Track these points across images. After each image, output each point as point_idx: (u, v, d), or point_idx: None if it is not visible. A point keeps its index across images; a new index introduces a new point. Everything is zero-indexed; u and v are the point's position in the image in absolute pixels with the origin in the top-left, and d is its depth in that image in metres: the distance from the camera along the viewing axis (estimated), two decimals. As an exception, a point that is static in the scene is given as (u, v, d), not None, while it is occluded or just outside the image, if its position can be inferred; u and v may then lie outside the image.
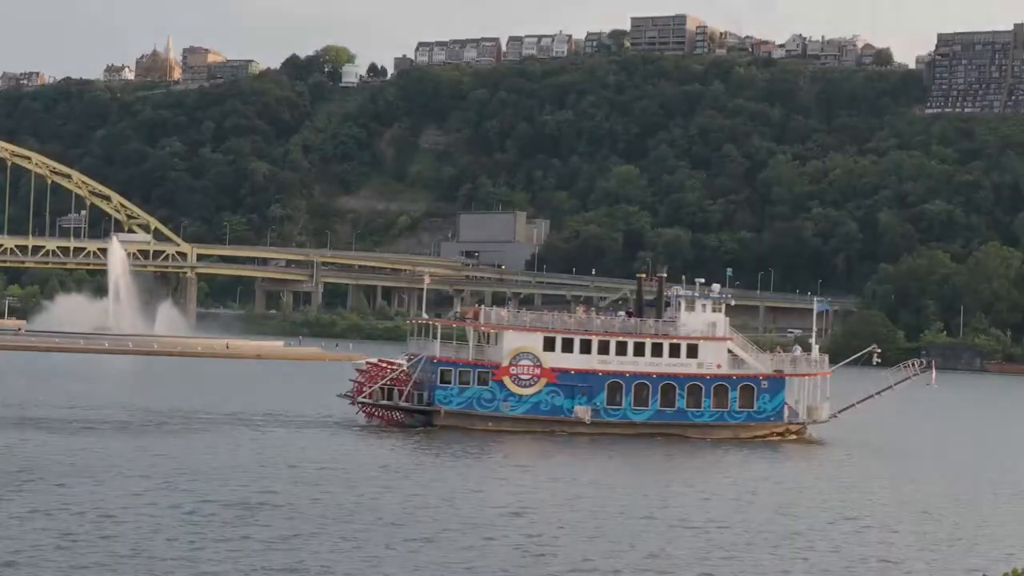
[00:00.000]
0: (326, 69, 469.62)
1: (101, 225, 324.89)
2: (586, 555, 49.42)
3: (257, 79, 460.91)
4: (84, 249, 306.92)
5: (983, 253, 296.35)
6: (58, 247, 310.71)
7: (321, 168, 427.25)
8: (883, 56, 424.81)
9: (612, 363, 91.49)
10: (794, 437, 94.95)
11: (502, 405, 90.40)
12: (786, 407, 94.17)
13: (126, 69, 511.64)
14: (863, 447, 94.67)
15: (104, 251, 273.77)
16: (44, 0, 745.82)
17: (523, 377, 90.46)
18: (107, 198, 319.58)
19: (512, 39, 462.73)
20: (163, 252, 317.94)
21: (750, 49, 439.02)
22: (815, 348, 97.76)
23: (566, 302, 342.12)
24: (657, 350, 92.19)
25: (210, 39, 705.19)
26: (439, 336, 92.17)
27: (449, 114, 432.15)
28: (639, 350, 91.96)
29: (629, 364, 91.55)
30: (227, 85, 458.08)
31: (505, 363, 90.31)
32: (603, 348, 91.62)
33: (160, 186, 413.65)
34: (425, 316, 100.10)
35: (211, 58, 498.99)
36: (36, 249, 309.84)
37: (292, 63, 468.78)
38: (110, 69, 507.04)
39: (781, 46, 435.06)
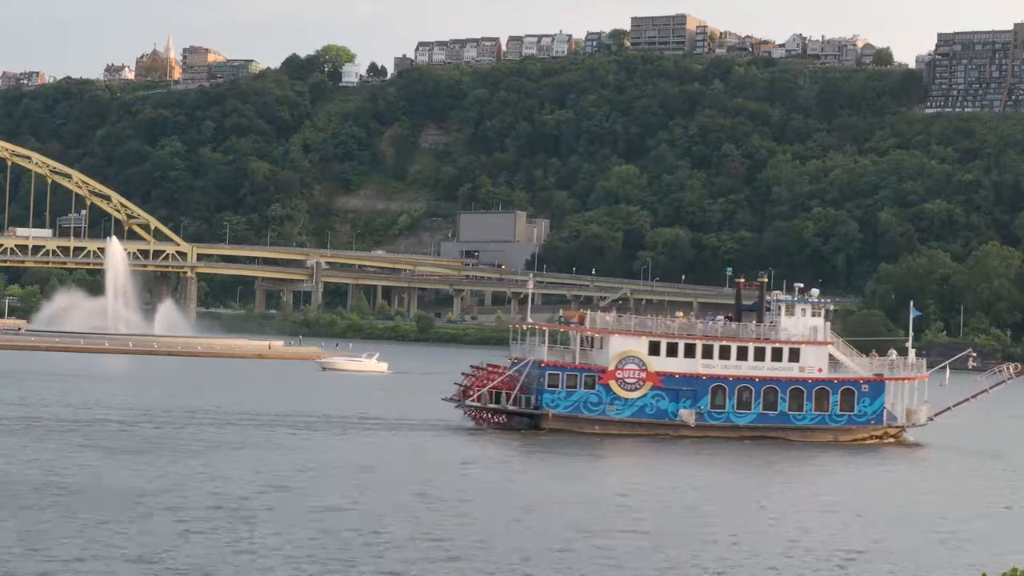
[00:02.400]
0: (326, 69, 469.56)
1: (101, 225, 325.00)
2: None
3: (257, 79, 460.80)
4: (84, 249, 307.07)
5: (983, 253, 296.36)
6: (58, 247, 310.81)
7: (321, 168, 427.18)
8: (883, 56, 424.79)
9: (716, 367, 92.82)
10: (892, 440, 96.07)
11: (608, 408, 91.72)
12: (885, 410, 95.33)
13: (126, 69, 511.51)
14: (979, 452, 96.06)
15: (104, 251, 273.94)
16: (44, 0, 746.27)
17: (629, 381, 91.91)
18: (107, 198, 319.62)
19: (512, 39, 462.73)
20: (163, 252, 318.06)
21: (750, 49, 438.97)
22: (911, 352, 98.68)
23: (567, 302, 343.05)
24: (760, 354, 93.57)
25: (210, 39, 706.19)
26: (546, 340, 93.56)
27: (449, 114, 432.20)
28: (742, 354, 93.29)
29: (732, 368, 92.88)
30: (227, 85, 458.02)
31: (611, 367, 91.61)
32: (707, 352, 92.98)
33: (160, 186, 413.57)
34: (530, 320, 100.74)
35: (211, 58, 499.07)
36: (36, 249, 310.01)
37: (292, 63, 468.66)
38: (110, 69, 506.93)
39: (781, 46, 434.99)
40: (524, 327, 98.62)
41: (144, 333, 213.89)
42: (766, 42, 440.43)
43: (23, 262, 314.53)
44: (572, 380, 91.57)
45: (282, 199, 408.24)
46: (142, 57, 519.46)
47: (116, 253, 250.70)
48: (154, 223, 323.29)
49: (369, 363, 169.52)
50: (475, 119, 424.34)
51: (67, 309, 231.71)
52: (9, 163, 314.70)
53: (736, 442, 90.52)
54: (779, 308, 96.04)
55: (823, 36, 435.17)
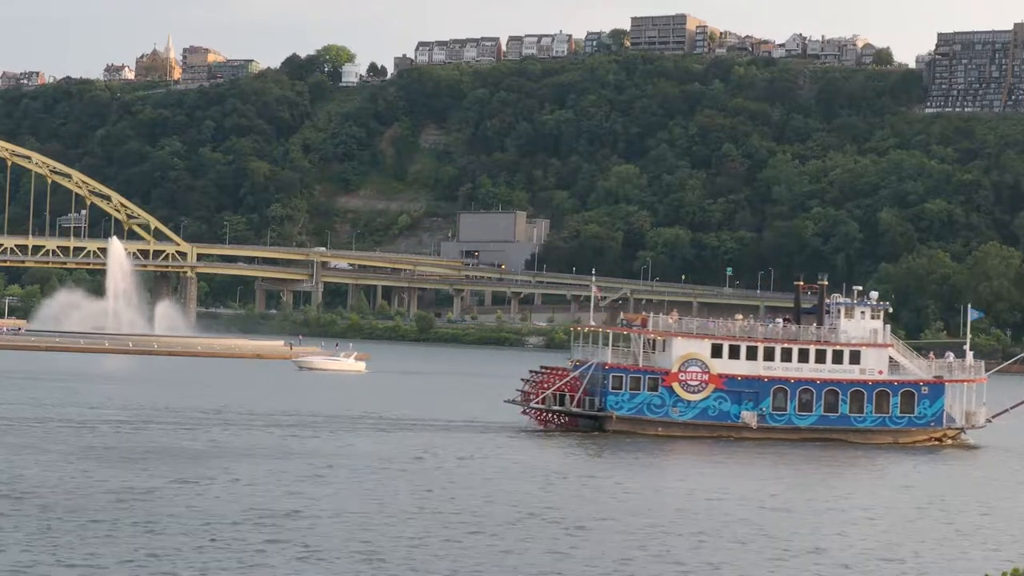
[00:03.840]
0: (326, 69, 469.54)
1: (101, 225, 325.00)
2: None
3: (257, 79, 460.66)
4: (84, 249, 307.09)
5: (983, 253, 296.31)
6: (58, 247, 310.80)
7: (321, 168, 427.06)
8: (883, 56, 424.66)
9: (777, 369, 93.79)
10: (951, 442, 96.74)
11: (671, 410, 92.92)
12: (944, 413, 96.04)
13: (126, 69, 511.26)
14: None
15: (104, 251, 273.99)
16: (44, 0, 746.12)
17: (692, 383, 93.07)
18: (107, 198, 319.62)
19: (512, 39, 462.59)
20: (163, 252, 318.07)
21: (750, 49, 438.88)
22: (969, 354, 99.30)
23: (567, 301, 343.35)
24: (821, 356, 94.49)
25: (210, 39, 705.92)
26: (610, 343, 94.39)
27: (449, 114, 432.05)
28: (803, 356, 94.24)
29: (793, 370, 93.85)
30: (227, 85, 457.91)
31: (674, 369, 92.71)
32: (768, 355, 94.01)
33: (160, 186, 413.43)
34: (593, 323, 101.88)
35: (211, 58, 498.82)
36: (36, 249, 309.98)
37: (292, 63, 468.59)
38: (110, 69, 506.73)
39: (781, 46, 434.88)
40: (585, 330, 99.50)
41: (144, 333, 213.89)
42: (766, 42, 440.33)
43: (23, 262, 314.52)
44: (636, 382, 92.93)
45: (282, 199, 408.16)
46: (142, 57, 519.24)
47: (117, 253, 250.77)
48: (154, 223, 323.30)
49: (346, 362, 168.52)
50: (475, 119, 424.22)
51: (67, 309, 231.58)
52: (9, 163, 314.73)
53: (811, 444, 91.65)
54: (838, 311, 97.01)
55: (823, 36, 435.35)
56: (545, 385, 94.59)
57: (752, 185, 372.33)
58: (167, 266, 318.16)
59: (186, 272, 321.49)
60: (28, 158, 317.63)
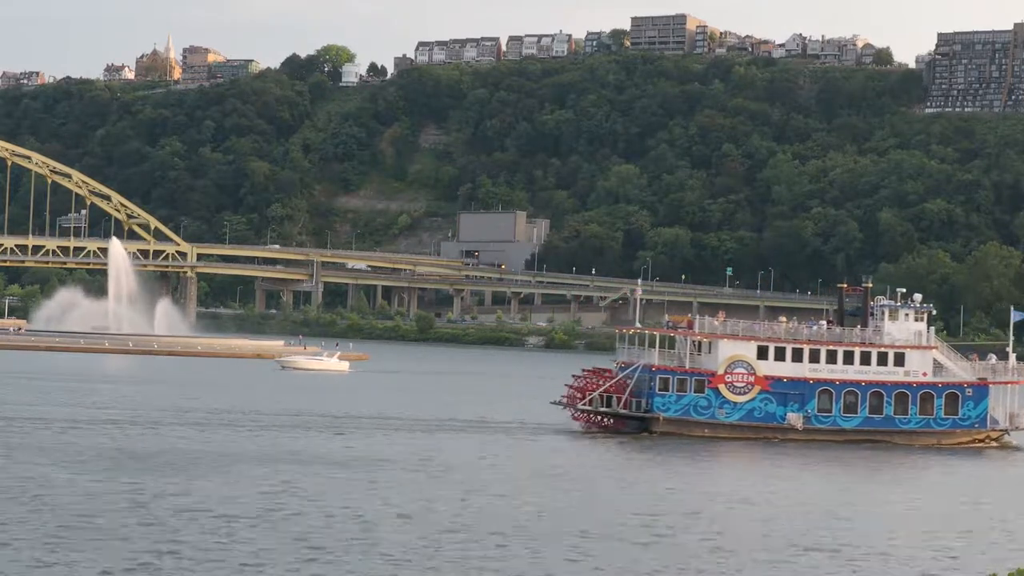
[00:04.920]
0: (326, 69, 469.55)
1: (101, 225, 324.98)
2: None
3: (257, 79, 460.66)
4: (84, 249, 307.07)
5: (983, 253, 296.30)
6: (58, 247, 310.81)
7: (321, 168, 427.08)
8: (883, 56, 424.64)
9: (822, 371, 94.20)
10: (994, 444, 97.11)
11: (718, 412, 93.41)
12: (988, 414, 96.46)
13: (126, 69, 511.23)
14: None
15: (104, 251, 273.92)
16: (44, 0, 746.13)
17: (738, 385, 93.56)
18: (107, 198, 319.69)
19: (512, 39, 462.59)
20: (163, 252, 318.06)
21: (750, 49, 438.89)
22: (1012, 356, 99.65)
23: (567, 301, 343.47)
24: (865, 358, 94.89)
25: (210, 39, 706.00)
26: (656, 345, 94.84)
27: (449, 114, 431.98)
28: (848, 358, 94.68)
29: (839, 372, 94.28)
30: (227, 85, 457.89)
31: (720, 371, 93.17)
32: (814, 356, 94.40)
33: (160, 186, 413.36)
34: (639, 325, 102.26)
35: (211, 58, 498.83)
36: (36, 249, 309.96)
37: (292, 63, 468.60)
38: (110, 69, 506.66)
39: (781, 46, 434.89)
40: (632, 332, 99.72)
41: (144, 333, 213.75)
42: (766, 42, 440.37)
43: (23, 262, 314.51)
44: (682, 384, 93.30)
45: (282, 199, 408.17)
46: (142, 57, 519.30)
47: (117, 253, 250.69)
48: (154, 223, 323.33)
49: (329, 362, 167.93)
50: (475, 119, 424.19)
51: (68, 309, 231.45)
52: (9, 163, 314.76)
53: (857, 446, 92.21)
54: (882, 313, 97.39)
55: (823, 36, 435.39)
56: (592, 386, 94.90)
57: (752, 185, 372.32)
58: (167, 266, 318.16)
59: (186, 272, 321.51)
60: (28, 158, 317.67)
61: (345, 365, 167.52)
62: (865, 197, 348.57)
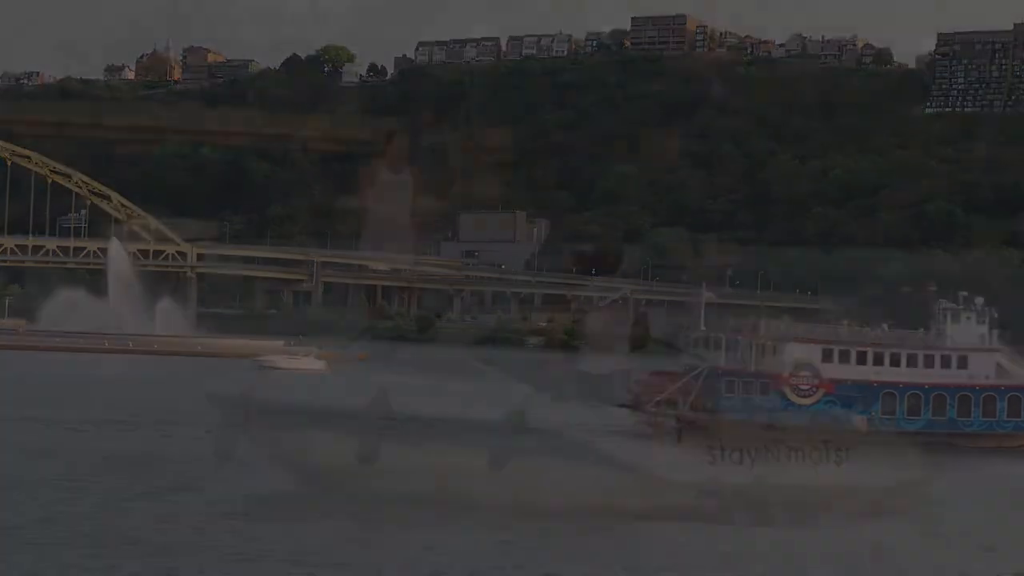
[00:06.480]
0: (326, 69, 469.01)
1: (101, 225, 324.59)
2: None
3: (257, 79, 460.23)
4: (84, 249, 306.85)
5: (983, 253, 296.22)
6: (58, 247, 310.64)
7: (321, 168, 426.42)
8: (883, 56, 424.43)
9: (886, 374, 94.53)
10: None
11: (783, 415, 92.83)
12: None
13: (126, 69, 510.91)
14: None
15: (104, 251, 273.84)
16: (44, 0, 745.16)
17: (803, 387, 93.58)
18: (107, 198, 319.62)
19: (512, 39, 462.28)
20: (163, 252, 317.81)
21: (750, 49, 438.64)
22: None
23: (567, 301, 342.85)
24: (929, 361, 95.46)
25: (210, 39, 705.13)
26: (723, 347, 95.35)
27: (449, 114, 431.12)
28: (911, 361, 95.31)
29: (903, 375, 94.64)
30: (227, 85, 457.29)
31: (785, 374, 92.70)
32: (877, 359, 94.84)
33: (160, 186, 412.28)
34: (704, 327, 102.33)
35: (211, 58, 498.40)
36: (36, 249, 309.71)
37: (292, 63, 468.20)
38: (110, 69, 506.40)
39: (781, 46, 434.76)
40: (697, 334, 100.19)
41: (144, 333, 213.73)
42: (766, 42, 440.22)
43: (23, 262, 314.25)
44: (748, 387, 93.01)
45: (282, 199, 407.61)
46: (142, 57, 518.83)
47: (117, 253, 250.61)
48: (154, 223, 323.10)
49: (306, 361, 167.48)
50: (475, 119, 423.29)
51: (68, 309, 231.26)
52: (9, 163, 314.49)
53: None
54: (945, 316, 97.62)
55: (823, 36, 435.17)
56: (659, 388, 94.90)
57: (752, 185, 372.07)
58: (167, 266, 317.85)
59: (186, 272, 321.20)
60: (28, 158, 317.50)
61: (323, 364, 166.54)
62: (865, 198, 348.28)
